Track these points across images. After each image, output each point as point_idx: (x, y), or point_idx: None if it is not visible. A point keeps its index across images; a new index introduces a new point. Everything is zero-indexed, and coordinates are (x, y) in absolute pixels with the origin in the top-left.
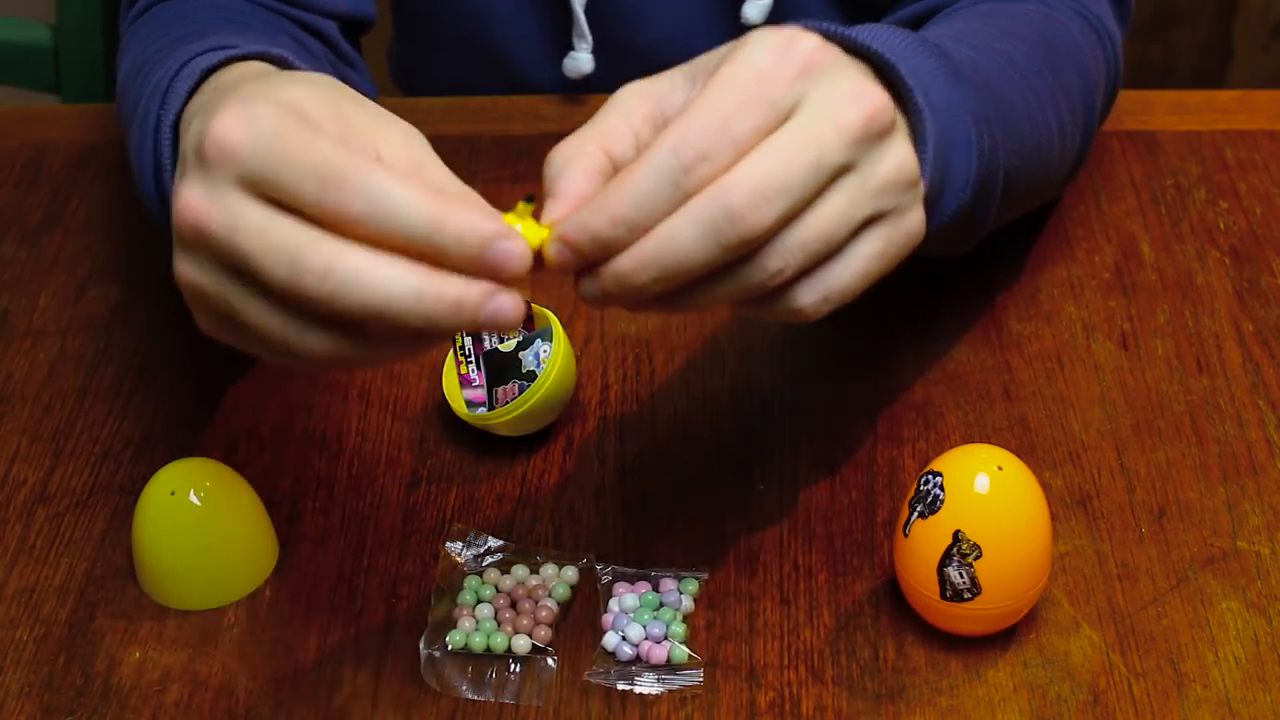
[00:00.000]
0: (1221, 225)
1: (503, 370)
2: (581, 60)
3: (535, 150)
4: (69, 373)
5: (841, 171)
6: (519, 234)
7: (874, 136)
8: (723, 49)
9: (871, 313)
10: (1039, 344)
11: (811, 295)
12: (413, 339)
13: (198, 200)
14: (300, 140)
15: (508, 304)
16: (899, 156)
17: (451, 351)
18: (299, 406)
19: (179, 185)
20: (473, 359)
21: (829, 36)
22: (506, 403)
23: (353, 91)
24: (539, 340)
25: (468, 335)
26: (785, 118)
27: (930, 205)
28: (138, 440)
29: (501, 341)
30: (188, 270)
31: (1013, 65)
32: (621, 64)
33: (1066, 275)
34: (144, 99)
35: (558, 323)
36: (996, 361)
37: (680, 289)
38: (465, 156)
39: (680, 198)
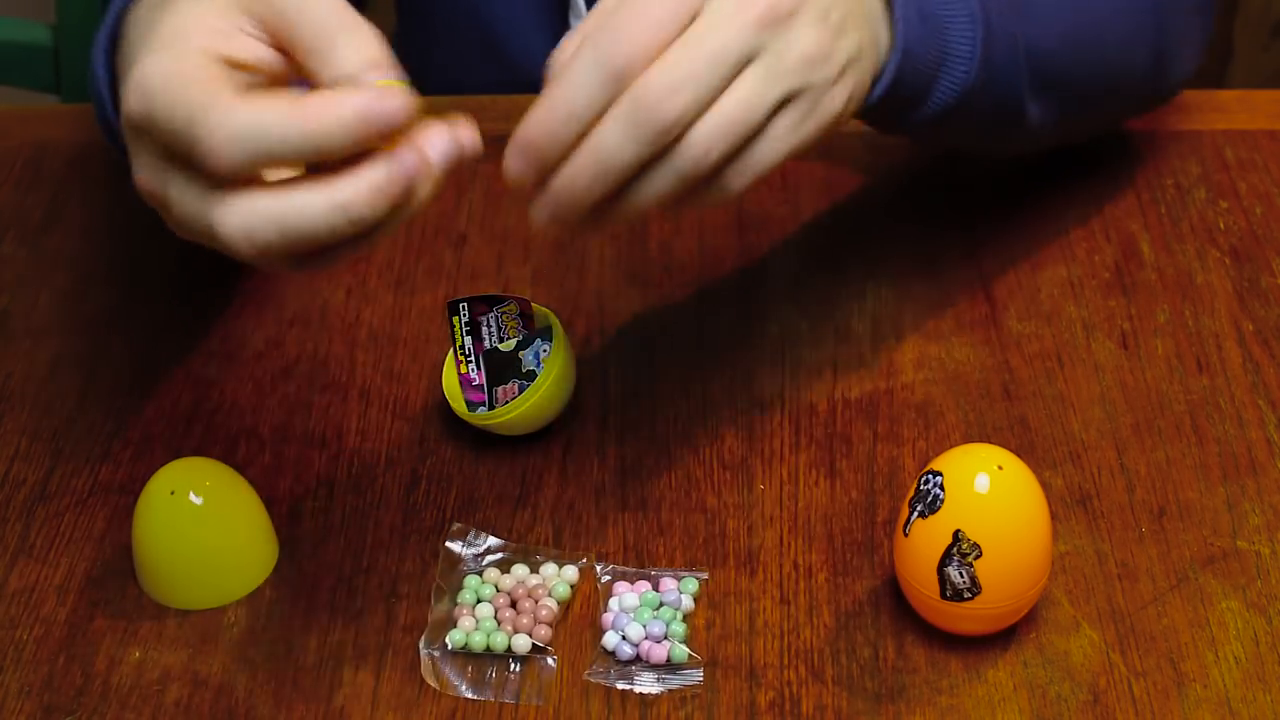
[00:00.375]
0: (1221, 225)
1: (503, 370)
2: None
3: None
4: (69, 373)
5: (750, 57)
6: (389, 90)
7: (778, 21)
8: None
9: (871, 312)
10: (1039, 344)
11: (740, 178)
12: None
13: (139, 178)
14: (171, 98)
15: (409, 160)
16: (807, 38)
17: (451, 351)
18: (299, 406)
19: (132, 164)
20: (473, 358)
21: None
22: (506, 402)
23: None
24: (539, 340)
25: (467, 335)
26: (696, 12)
27: (928, 80)
28: (138, 440)
29: (501, 341)
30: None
31: None
32: None
33: (1066, 275)
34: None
35: (558, 322)
36: (996, 361)
37: (620, 193)
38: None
39: (608, 100)
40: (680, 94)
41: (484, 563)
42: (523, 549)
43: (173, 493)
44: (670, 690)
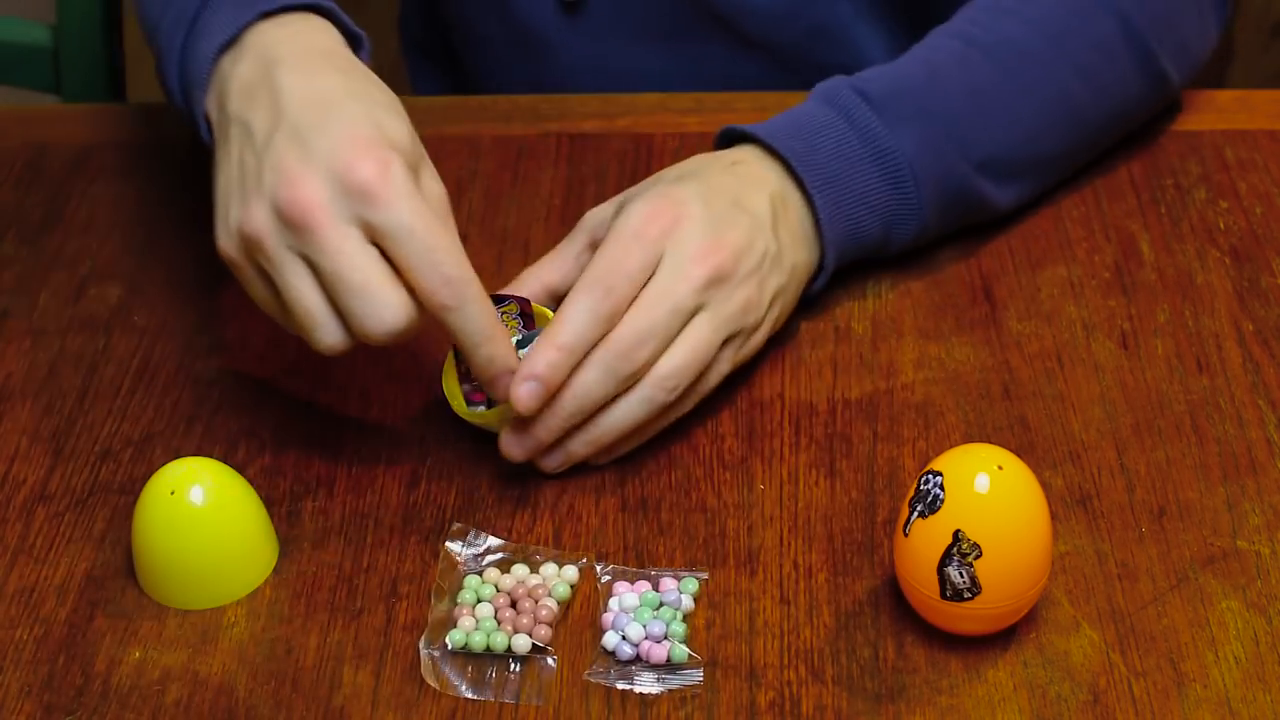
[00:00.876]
0: (1221, 225)
1: None
2: None
3: (535, 150)
4: (69, 373)
5: (699, 309)
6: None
7: (720, 280)
8: (633, 190)
9: (872, 313)
10: (1039, 344)
11: (691, 399)
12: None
13: (319, 206)
14: (419, 211)
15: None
16: (741, 292)
17: (451, 350)
18: (299, 406)
19: (302, 176)
20: None
21: (743, 136)
22: (505, 400)
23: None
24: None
25: None
26: (653, 272)
27: (883, 242)
28: (138, 440)
29: None
30: (265, 239)
31: (993, 52)
32: None
33: (1066, 275)
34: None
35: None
36: (996, 361)
37: (597, 425)
38: (465, 156)
39: (598, 339)
40: (646, 344)
41: (484, 563)
42: (523, 549)
43: (173, 493)
44: (670, 690)
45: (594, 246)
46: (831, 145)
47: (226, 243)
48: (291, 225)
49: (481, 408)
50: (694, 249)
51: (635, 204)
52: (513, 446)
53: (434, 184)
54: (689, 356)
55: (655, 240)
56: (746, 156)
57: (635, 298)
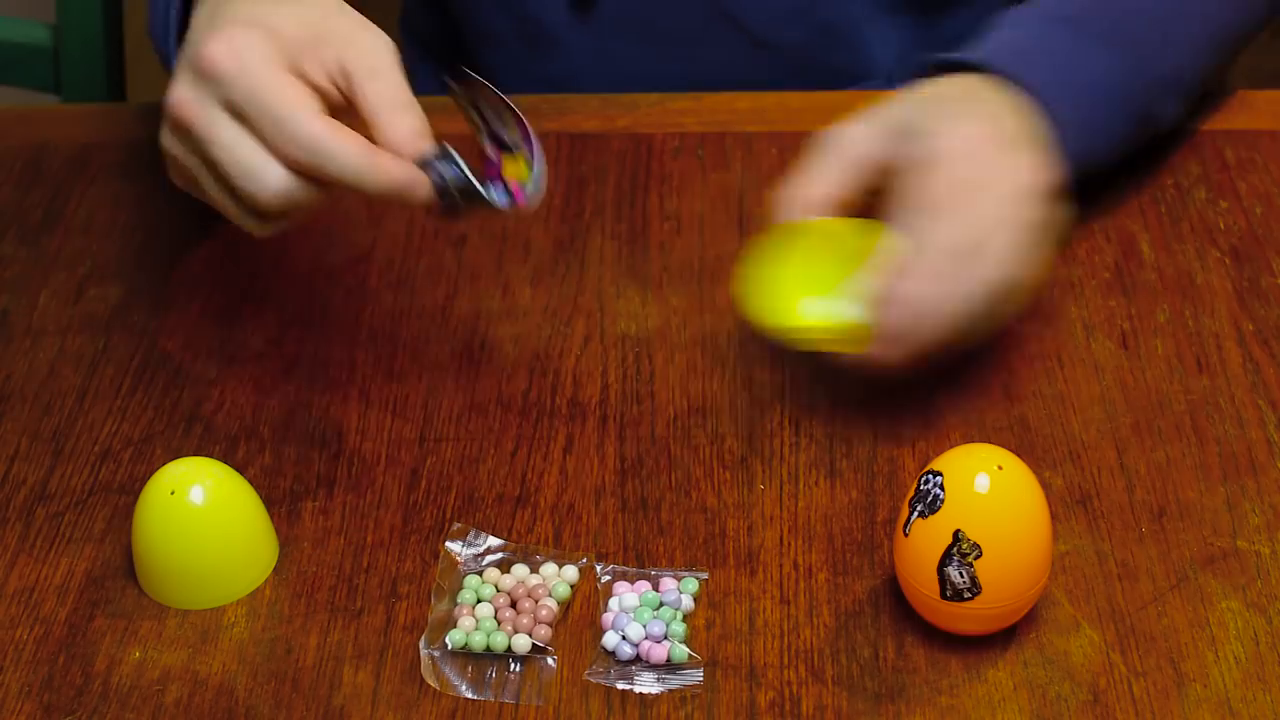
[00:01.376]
0: (1221, 225)
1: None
2: None
3: None
4: (69, 373)
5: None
6: (422, 180)
7: (1051, 197)
8: (910, 113)
9: None
10: (1039, 344)
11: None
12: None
13: (187, 102)
14: (267, 80)
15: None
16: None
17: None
18: (299, 406)
19: (176, 80)
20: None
21: (976, 67)
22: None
23: (337, 4)
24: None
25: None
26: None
27: (1097, 162)
28: (138, 440)
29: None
30: (168, 143)
31: None
32: None
33: (1066, 275)
34: None
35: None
36: (996, 361)
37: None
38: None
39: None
40: (1015, 263)
41: (484, 563)
42: (523, 549)
43: (173, 493)
44: (670, 690)
45: (854, 170)
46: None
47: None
48: (175, 127)
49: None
50: (1029, 162)
51: (948, 135)
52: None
53: (357, 45)
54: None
55: (991, 162)
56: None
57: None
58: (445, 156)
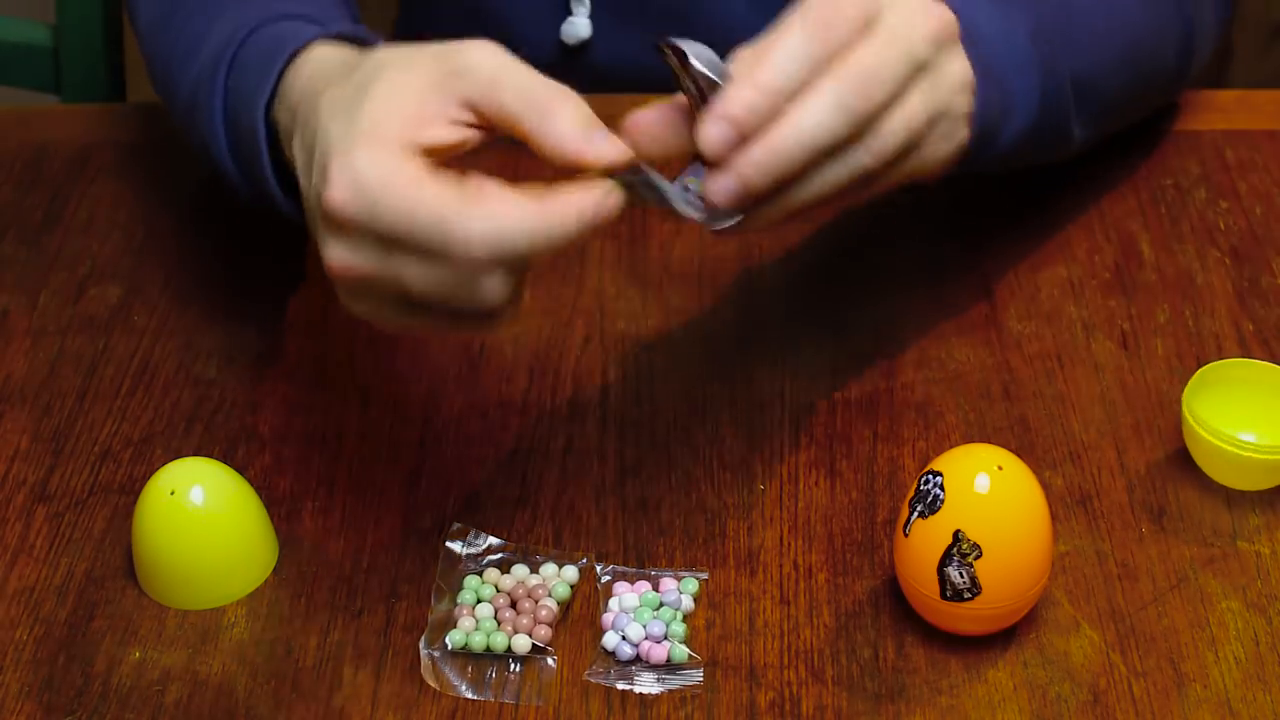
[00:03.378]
0: (1221, 225)
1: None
2: (579, 25)
3: None
4: (69, 373)
5: (921, 68)
6: (607, 191)
7: (945, 42)
8: None
9: (872, 312)
10: (1039, 344)
11: (888, 182)
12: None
13: (349, 265)
14: (403, 202)
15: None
16: (960, 64)
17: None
18: (299, 406)
19: (320, 241)
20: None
21: None
22: None
23: (411, 51)
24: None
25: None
26: (878, 15)
27: (997, 125)
28: (138, 440)
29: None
30: (359, 307)
31: None
32: (620, 28)
33: (1066, 275)
34: (201, 64)
35: None
36: (996, 361)
37: (798, 177)
38: (465, 156)
39: (807, 80)
40: (885, 84)
41: (484, 563)
42: (523, 549)
43: (173, 493)
44: (670, 690)
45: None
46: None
47: None
48: (353, 291)
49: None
50: (918, 3)
51: None
52: (720, 185)
53: (455, 66)
54: (910, 116)
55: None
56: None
57: (853, 44)
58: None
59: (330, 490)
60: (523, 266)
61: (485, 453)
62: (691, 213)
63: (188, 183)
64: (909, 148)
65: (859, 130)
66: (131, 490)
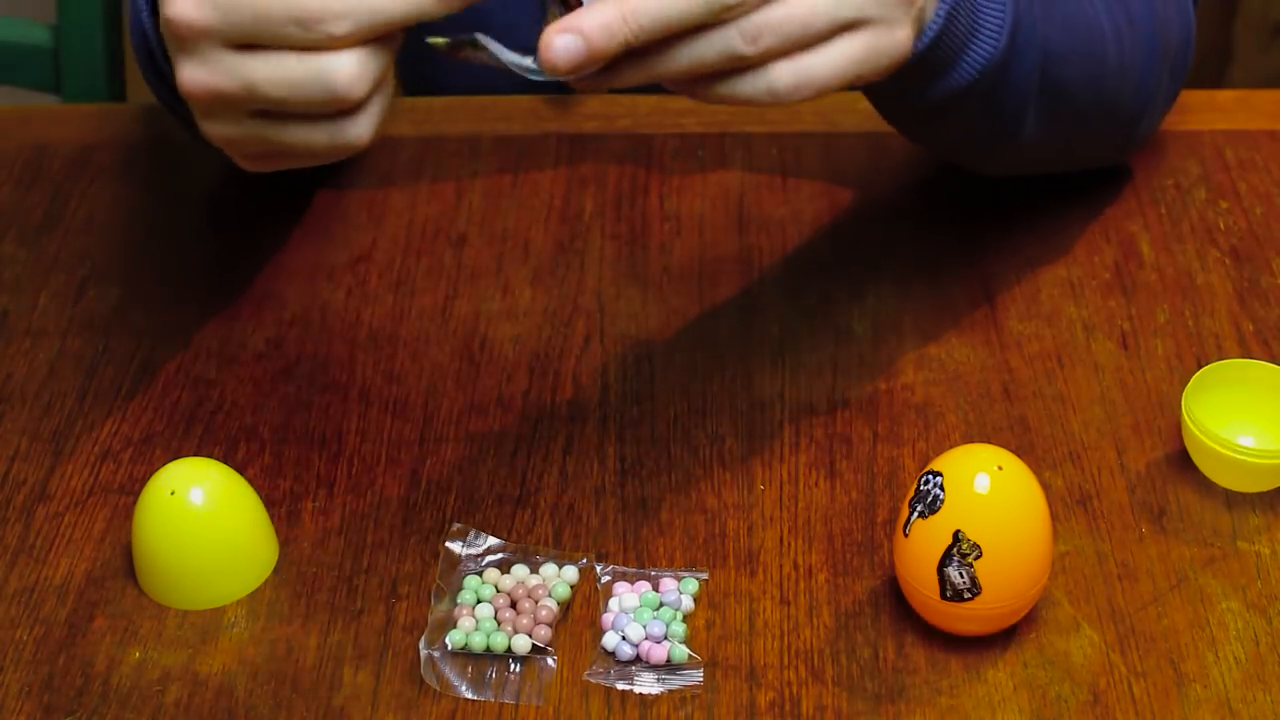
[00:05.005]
0: (1221, 225)
1: None
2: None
3: (535, 150)
4: (69, 373)
5: None
6: None
7: None
8: None
9: (872, 313)
10: (1039, 344)
11: (787, 78)
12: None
13: (198, 78)
14: None
15: None
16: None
17: None
18: (299, 406)
19: (175, 63)
20: None
21: None
22: None
23: None
24: None
25: None
26: None
27: (960, 48)
28: (138, 440)
29: None
30: (215, 130)
31: None
32: None
33: (1066, 275)
34: None
35: None
36: (996, 361)
37: (657, 47)
38: (465, 156)
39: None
40: None
41: (484, 563)
42: (523, 549)
43: (173, 493)
44: (670, 690)
45: None
46: None
47: None
48: (208, 109)
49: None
50: None
51: None
52: (557, 50)
53: None
54: (797, 11)
55: None
56: None
57: None
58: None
59: (330, 490)
60: (383, 55)
61: (485, 453)
62: (529, 64)
63: (188, 183)
64: (793, 47)
65: (720, 14)
66: (131, 490)
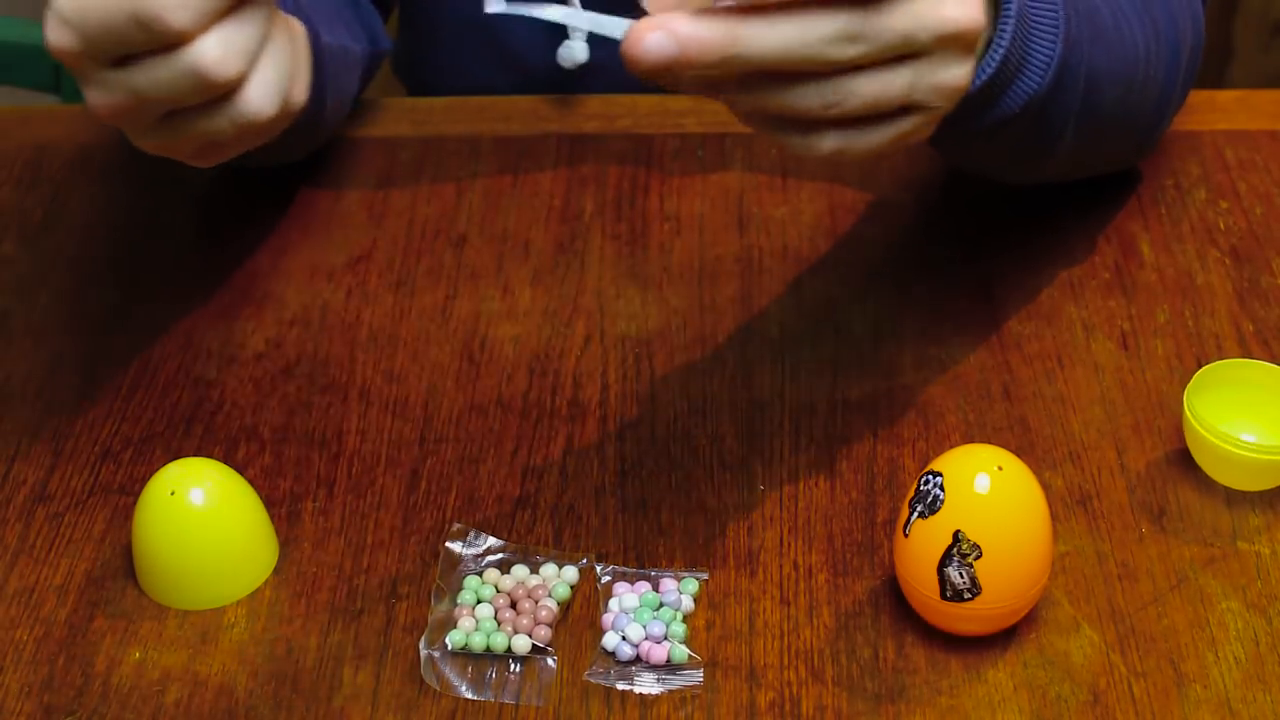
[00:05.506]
0: (1221, 225)
1: None
2: (576, 49)
3: (535, 150)
4: (69, 373)
5: (918, 53)
6: None
7: (959, 44)
8: None
9: (872, 313)
10: (1039, 344)
11: (835, 142)
12: None
13: (99, 99)
14: (100, 8)
15: None
16: (964, 72)
17: None
18: (299, 406)
19: (86, 99)
20: None
21: None
22: None
23: None
24: None
25: None
26: None
27: (1010, 79)
28: (138, 440)
29: None
30: (143, 141)
31: None
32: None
33: (1066, 275)
34: None
35: None
36: (996, 361)
37: (738, 80)
38: (465, 156)
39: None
40: (855, 44)
41: (484, 563)
42: (523, 549)
43: (173, 493)
44: (670, 690)
45: None
46: None
47: None
48: (124, 125)
49: None
50: None
51: None
52: (647, 45)
53: None
54: (880, 89)
55: None
56: None
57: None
58: None
59: (330, 490)
60: (221, 12)
61: (485, 453)
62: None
63: (187, 183)
64: (863, 115)
65: (809, 67)
66: (131, 490)
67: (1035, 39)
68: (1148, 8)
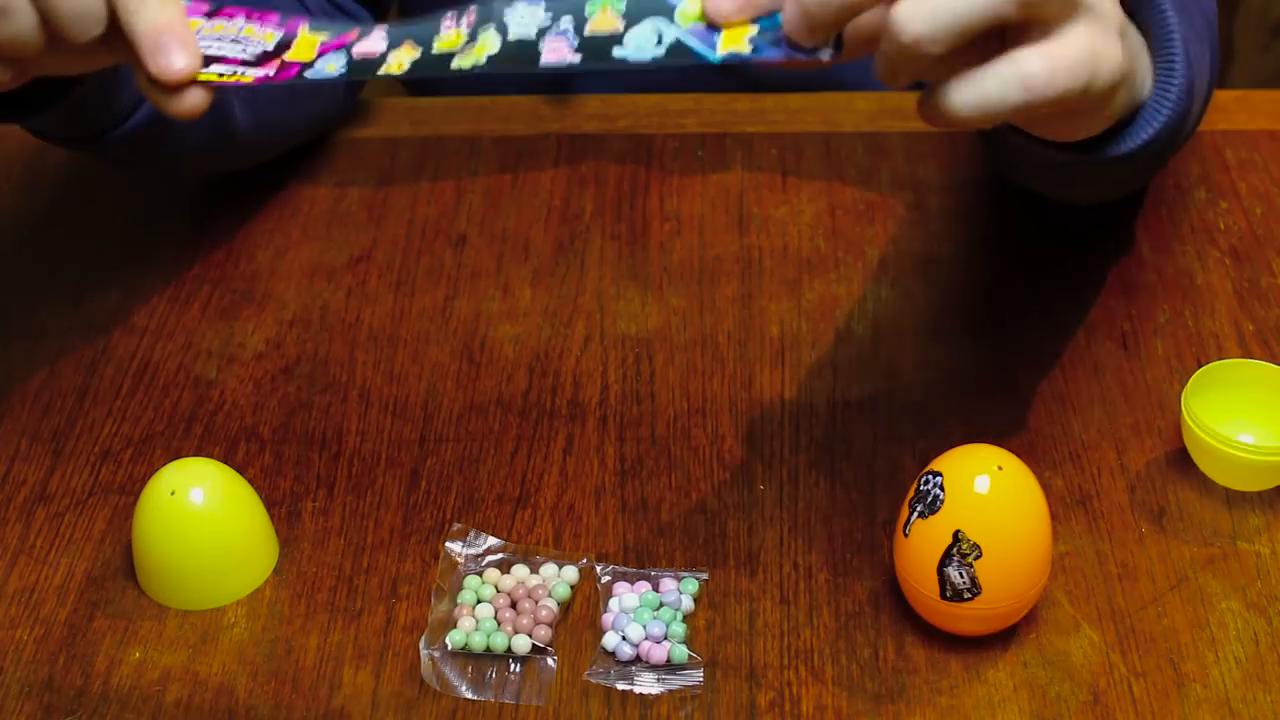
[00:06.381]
0: (1221, 225)
1: None
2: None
3: (535, 150)
4: (69, 373)
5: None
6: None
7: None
8: None
9: (872, 313)
10: (1039, 344)
11: (1036, 67)
12: None
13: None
14: None
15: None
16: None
17: None
18: (299, 406)
19: None
20: None
21: None
22: None
23: None
24: None
25: None
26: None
27: (1130, 120)
28: (138, 440)
29: None
30: None
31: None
32: None
33: (1066, 275)
34: None
35: None
36: (996, 361)
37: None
38: (465, 156)
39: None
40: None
41: (484, 563)
42: (522, 549)
43: (173, 493)
44: (670, 690)
45: None
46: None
47: None
48: None
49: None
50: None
51: None
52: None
53: None
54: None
55: None
56: None
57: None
58: None
59: (330, 490)
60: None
61: (485, 453)
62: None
63: (188, 183)
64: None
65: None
66: (131, 490)
67: (1161, 89)
68: (1210, 34)
